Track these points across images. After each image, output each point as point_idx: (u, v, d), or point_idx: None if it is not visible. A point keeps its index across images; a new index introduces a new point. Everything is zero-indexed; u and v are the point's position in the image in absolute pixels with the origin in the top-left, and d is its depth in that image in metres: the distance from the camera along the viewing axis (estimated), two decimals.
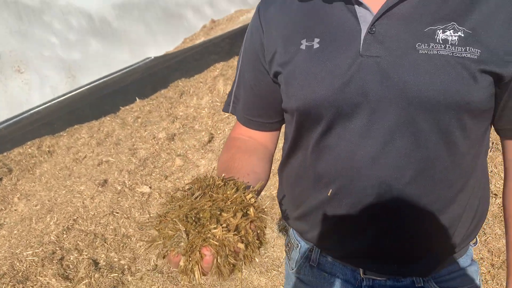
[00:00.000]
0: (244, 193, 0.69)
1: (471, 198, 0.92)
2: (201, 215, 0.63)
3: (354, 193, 0.88)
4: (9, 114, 4.45)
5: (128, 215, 3.10)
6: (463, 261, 1.01)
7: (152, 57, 4.42)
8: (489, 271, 2.16)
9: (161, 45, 6.05)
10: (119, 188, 3.33)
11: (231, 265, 0.62)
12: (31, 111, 4.00)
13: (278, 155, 3.44)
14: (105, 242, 2.89)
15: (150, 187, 3.37)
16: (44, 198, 3.40)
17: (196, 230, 0.61)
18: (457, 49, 0.78)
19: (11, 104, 4.66)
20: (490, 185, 2.38)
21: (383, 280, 0.99)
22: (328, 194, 0.91)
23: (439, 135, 0.82)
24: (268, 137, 1.08)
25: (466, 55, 0.78)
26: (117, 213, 3.11)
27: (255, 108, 1.03)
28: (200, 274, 0.61)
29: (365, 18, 0.83)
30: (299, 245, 1.11)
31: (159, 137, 3.92)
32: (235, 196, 0.68)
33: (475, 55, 0.77)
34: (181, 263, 0.61)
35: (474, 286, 1.02)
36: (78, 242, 2.86)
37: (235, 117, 1.09)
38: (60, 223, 3.02)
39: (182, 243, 0.61)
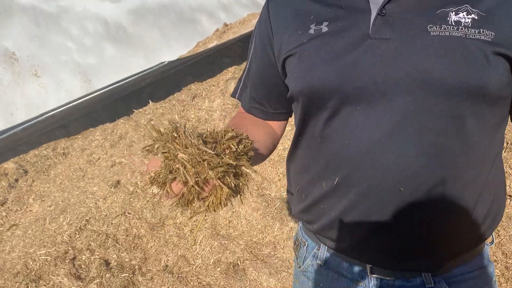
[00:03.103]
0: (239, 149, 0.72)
1: (484, 192, 0.87)
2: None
3: (360, 181, 0.85)
4: (26, 117, 4.53)
5: (140, 216, 3.12)
6: (477, 261, 0.96)
7: (166, 62, 4.43)
8: (503, 274, 2.11)
9: (174, 49, 6.10)
10: (131, 189, 3.36)
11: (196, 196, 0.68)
12: (47, 114, 4.05)
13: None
14: (117, 243, 2.91)
15: None
16: (58, 199, 3.45)
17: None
18: (471, 31, 0.75)
19: (28, 108, 4.75)
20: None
21: (391, 280, 0.95)
22: (334, 183, 0.88)
23: (450, 120, 0.78)
24: (273, 123, 1.07)
25: (480, 37, 0.75)
26: (129, 213, 3.14)
27: (260, 95, 1.03)
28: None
29: (375, 0, 0.81)
30: (306, 243, 1.09)
31: None
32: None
33: (489, 37, 0.75)
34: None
35: None
36: (90, 242, 2.89)
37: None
38: (73, 224, 3.05)
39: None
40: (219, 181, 0.67)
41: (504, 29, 0.75)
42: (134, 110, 4.53)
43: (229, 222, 2.99)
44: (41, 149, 4.11)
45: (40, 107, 4.77)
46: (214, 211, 0.72)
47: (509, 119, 0.90)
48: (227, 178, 0.69)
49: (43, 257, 2.76)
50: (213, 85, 4.58)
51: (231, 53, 4.84)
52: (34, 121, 4.05)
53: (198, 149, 0.67)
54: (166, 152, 0.68)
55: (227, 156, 0.69)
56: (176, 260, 2.77)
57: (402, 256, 0.91)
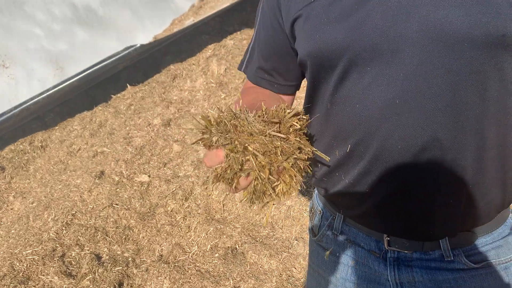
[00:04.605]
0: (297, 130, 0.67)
1: (510, 156, 0.81)
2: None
3: (373, 147, 0.80)
4: None
5: (128, 206, 2.99)
6: (500, 231, 0.91)
7: (138, 45, 4.23)
8: None
9: (149, 29, 5.85)
10: (116, 179, 3.21)
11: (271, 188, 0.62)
12: (20, 107, 3.82)
13: None
14: (107, 235, 2.78)
15: (149, 176, 3.25)
16: (40, 194, 3.28)
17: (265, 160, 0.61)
18: None
19: None
20: None
21: (408, 253, 0.91)
22: (347, 150, 0.84)
23: (470, 76, 0.71)
24: (282, 96, 1.01)
25: None
26: (116, 204, 3.00)
27: (269, 65, 0.96)
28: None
29: None
30: (322, 211, 1.06)
31: (154, 124, 3.78)
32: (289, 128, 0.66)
33: None
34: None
35: (511, 258, 0.92)
36: (79, 237, 2.75)
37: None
38: (58, 219, 2.90)
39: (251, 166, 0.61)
40: (292, 169, 0.62)
41: None
42: (112, 95, 4.33)
43: (223, 206, 2.88)
44: (17, 144, 3.91)
45: (11, 100, 4.52)
46: (284, 197, 0.65)
47: None
48: (298, 163, 0.63)
49: (30, 257, 2.62)
50: (193, 64, 4.40)
51: (209, 30, 4.65)
52: (7, 115, 3.83)
53: (269, 136, 0.60)
54: (229, 144, 0.60)
55: (292, 135, 0.62)
56: (171, 249, 2.66)
57: (417, 223, 0.87)
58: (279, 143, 0.60)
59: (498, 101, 0.74)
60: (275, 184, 0.63)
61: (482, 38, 0.68)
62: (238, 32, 4.48)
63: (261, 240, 2.60)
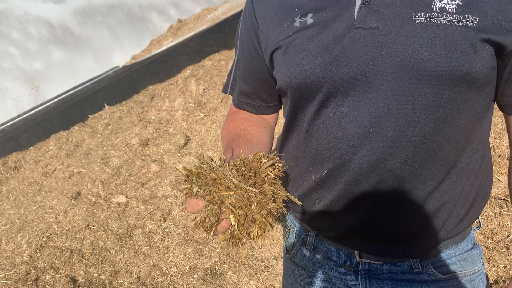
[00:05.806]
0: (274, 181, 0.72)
1: (471, 177, 0.89)
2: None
3: (348, 172, 0.86)
4: None
5: (105, 227, 2.94)
6: (463, 245, 0.98)
7: (121, 66, 4.23)
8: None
9: (126, 49, 5.84)
10: (93, 199, 3.16)
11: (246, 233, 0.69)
12: None
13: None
14: (83, 258, 2.73)
15: (126, 196, 3.22)
16: (13, 216, 3.20)
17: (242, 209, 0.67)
18: (455, 17, 0.74)
19: None
20: None
21: (379, 264, 0.97)
22: (323, 175, 0.89)
23: (436, 109, 0.78)
24: (266, 116, 1.08)
25: (465, 23, 0.74)
26: (93, 226, 2.95)
27: (249, 90, 1.03)
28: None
29: None
30: (295, 228, 1.10)
31: (132, 144, 3.76)
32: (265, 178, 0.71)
33: (474, 23, 0.74)
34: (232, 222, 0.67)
35: (475, 270, 0.98)
36: (54, 260, 2.69)
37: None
38: (32, 242, 2.83)
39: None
40: (265, 219, 0.68)
41: (488, 13, 0.74)
42: (89, 115, 4.30)
43: None
44: None
45: None
46: (259, 240, 0.71)
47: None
48: (272, 210, 0.69)
49: (2, 281, 2.54)
50: (172, 84, 4.41)
51: (187, 50, 4.69)
52: None
53: (245, 191, 0.66)
54: (208, 195, 0.66)
55: (266, 184, 0.68)
56: (149, 270, 2.62)
57: (389, 244, 0.93)
58: (253, 196, 0.66)
59: (465, 130, 0.82)
60: (249, 229, 0.69)
61: (447, 75, 0.75)
62: (217, 53, 4.53)
63: (240, 260, 2.60)
